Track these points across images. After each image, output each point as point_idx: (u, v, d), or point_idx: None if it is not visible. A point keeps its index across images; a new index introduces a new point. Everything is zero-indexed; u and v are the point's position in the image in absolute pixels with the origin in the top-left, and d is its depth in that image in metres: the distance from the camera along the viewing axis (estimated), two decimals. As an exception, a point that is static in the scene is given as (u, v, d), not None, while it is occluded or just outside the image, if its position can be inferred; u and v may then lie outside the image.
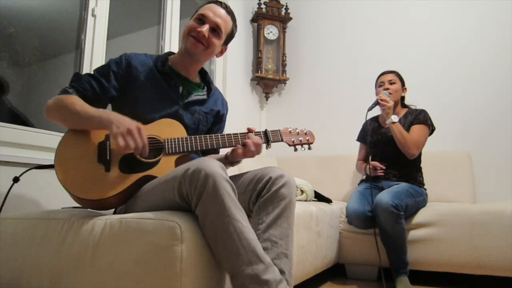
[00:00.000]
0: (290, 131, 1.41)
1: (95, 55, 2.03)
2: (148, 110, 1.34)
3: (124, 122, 1.16)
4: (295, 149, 1.41)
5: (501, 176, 2.64)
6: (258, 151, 1.33)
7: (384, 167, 2.26)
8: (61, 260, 1.12)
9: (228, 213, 1.00)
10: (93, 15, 2.05)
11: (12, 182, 1.37)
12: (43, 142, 1.71)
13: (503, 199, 2.37)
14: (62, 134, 1.28)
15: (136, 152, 1.17)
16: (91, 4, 2.05)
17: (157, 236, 1.00)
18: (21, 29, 1.88)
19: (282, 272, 1.10)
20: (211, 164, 1.03)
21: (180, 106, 1.41)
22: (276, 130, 1.39)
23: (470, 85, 2.83)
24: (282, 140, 1.39)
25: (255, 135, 1.34)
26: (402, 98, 2.42)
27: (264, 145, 1.37)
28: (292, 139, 1.39)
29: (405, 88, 2.41)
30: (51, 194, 1.65)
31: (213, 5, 1.41)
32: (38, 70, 1.98)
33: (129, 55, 1.41)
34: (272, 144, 1.37)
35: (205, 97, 1.49)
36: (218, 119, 1.55)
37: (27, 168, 1.42)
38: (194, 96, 1.45)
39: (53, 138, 1.72)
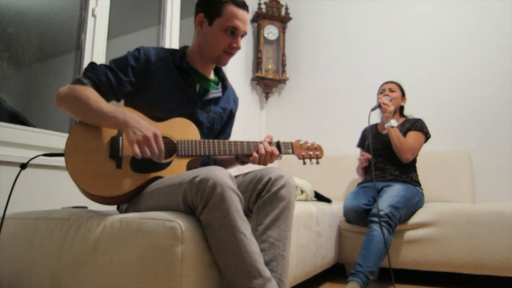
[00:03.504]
0: (301, 144, 1.44)
1: (95, 55, 2.03)
2: (164, 108, 1.31)
3: (141, 127, 1.12)
4: (304, 163, 1.45)
5: (501, 176, 2.64)
6: (272, 160, 1.34)
7: (368, 156, 2.39)
8: (61, 260, 1.12)
9: (233, 224, 1.00)
10: (93, 15, 2.05)
11: (19, 169, 1.31)
12: (43, 142, 1.71)
13: (503, 199, 2.37)
14: (63, 134, 1.27)
15: (152, 158, 1.14)
16: (91, 4, 2.05)
17: (157, 237, 1.00)
18: (21, 29, 1.88)
19: (278, 273, 1.11)
20: (220, 173, 1.02)
21: (197, 105, 1.38)
22: (288, 142, 1.41)
23: (470, 85, 2.83)
24: (292, 153, 1.41)
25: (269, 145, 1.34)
26: (402, 108, 2.50)
27: None
28: (302, 153, 1.44)
29: (405, 98, 2.49)
30: (51, 194, 1.65)
31: (240, 13, 1.35)
32: (38, 70, 1.98)
33: (147, 49, 1.35)
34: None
35: (220, 94, 1.46)
36: (230, 116, 1.56)
37: (34, 155, 1.38)
38: (210, 95, 1.43)
39: (53, 138, 1.72)
